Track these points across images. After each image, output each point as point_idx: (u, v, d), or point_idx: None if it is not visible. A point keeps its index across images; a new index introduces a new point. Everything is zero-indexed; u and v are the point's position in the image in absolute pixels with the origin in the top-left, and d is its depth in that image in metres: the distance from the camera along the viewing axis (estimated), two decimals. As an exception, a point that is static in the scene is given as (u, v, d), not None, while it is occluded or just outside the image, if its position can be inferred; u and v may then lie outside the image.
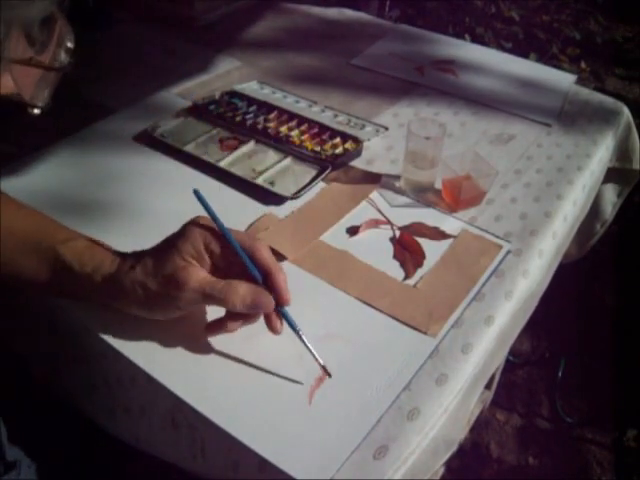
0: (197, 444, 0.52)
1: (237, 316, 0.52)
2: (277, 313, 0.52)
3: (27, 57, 0.36)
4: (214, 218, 0.51)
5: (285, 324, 0.52)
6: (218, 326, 0.53)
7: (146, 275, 0.50)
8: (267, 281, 0.51)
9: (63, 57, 0.41)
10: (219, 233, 0.51)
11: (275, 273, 0.51)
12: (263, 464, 0.46)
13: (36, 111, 0.42)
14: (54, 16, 0.29)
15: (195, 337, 0.54)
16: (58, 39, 0.39)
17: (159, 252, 0.51)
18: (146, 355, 0.53)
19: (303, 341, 0.51)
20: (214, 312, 0.54)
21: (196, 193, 0.53)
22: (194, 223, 0.51)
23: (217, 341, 0.54)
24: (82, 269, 0.52)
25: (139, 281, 0.50)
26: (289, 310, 0.52)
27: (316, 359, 0.51)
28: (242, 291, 0.49)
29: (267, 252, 0.52)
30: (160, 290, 0.49)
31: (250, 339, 0.54)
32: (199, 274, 0.50)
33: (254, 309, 0.50)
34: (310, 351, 0.51)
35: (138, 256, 0.52)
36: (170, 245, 0.51)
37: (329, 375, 0.51)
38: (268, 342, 0.54)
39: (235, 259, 0.51)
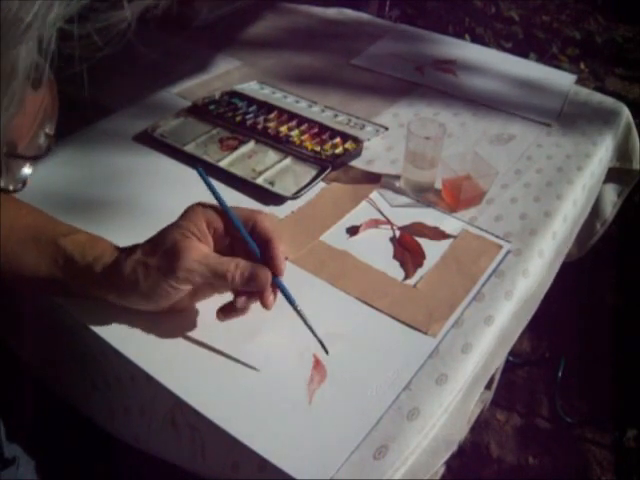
0: (197, 444, 0.51)
1: (240, 292, 0.52)
2: (272, 288, 0.52)
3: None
4: (212, 191, 0.53)
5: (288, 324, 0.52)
6: (228, 308, 0.53)
7: (146, 254, 0.50)
8: (265, 250, 0.52)
9: (42, 141, 0.40)
10: (222, 211, 0.52)
11: (274, 242, 0.52)
12: (263, 464, 0.46)
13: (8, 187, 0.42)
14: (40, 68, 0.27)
15: (195, 337, 0.54)
16: (42, 119, 0.39)
17: (158, 234, 0.52)
18: (146, 355, 0.53)
19: (300, 314, 0.52)
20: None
21: (199, 171, 0.55)
22: (196, 204, 0.53)
23: (217, 341, 0.54)
24: (83, 259, 0.52)
25: (139, 260, 0.50)
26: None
27: (314, 334, 0.51)
28: (241, 265, 0.50)
29: (269, 222, 0.53)
30: (160, 263, 0.49)
31: (251, 339, 0.54)
32: (200, 247, 0.51)
33: (251, 282, 0.50)
34: (307, 325, 0.52)
35: (137, 244, 0.53)
36: (170, 226, 0.52)
37: (326, 352, 0.52)
38: (268, 342, 0.54)
39: (239, 238, 0.52)
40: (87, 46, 0.27)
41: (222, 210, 0.53)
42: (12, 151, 0.36)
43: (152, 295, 0.51)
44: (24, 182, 0.42)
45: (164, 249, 0.50)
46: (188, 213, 0.52)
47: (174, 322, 0.55)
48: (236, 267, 0.50)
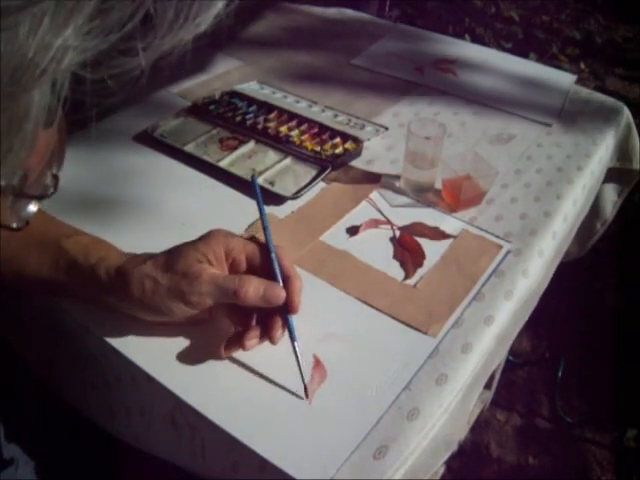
0: (197, 444, 0.52)
1: (252, 332, 0.51)
2: (282, 322, 0.51)
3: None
4: (258, 203, 0.56)
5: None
6: (233, 344, 0.52)
7: (157, 269, 0.49)
8: (284, 285, 0.52)
9: (48, 181, 0.40)
10: (242, 243, 0.52)
11: (293, 279, 0.52)
12: (263, 464, 0.46)
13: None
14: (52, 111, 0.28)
15: (196, 337, 0.54)
16: (50, 159, 0.39)
17: (174, 250, 0.51)
18: (146, 355, 0.53)
19: (296, 354, 0.51)
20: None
21: (253, 179, 0.57)
22: (219, 230, 0.52)
23: (218, 341, 0.54)
24: (86, 262, 0.52)
25: (149, 274, 0.49)
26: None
27: (301, 376, 0.50)
28: (255, 282, 0.49)
29: (288, 259, 0.53)
30: (171, 284, 0.49)
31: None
32: (213, 270, 0.50)
33: (266, 301, 0.50)
34: (299, 366, 0.50)
35: (149, 255, 0.52)
36: (187, 245, 0.51)
37: (306, 396, 0.50)
38: (269, 344, 0.54)
39: (257, 270, 0.51)
40: (99, 90, 0.27)
41: (244, 242, 0.52)
42: (19, 190, 0.36)
43: (154, 309, 0.50)
44: (27, 221, 0.42)
45: (176, 270, 0.49)
46: (208, 237, 0.51)
47: (174, 323, 0.55)
48: (250, 282, 0.49)
